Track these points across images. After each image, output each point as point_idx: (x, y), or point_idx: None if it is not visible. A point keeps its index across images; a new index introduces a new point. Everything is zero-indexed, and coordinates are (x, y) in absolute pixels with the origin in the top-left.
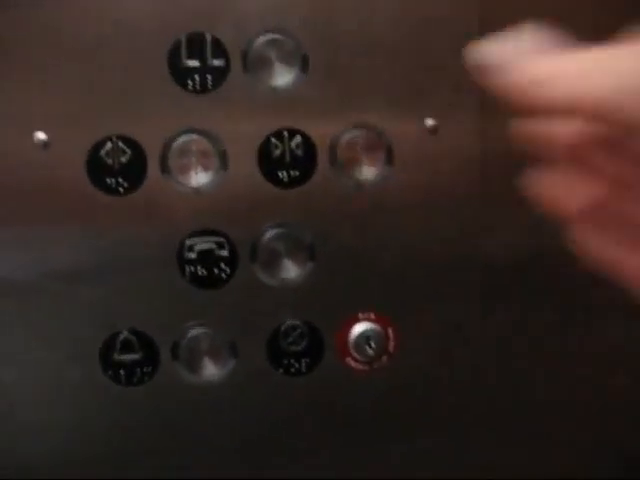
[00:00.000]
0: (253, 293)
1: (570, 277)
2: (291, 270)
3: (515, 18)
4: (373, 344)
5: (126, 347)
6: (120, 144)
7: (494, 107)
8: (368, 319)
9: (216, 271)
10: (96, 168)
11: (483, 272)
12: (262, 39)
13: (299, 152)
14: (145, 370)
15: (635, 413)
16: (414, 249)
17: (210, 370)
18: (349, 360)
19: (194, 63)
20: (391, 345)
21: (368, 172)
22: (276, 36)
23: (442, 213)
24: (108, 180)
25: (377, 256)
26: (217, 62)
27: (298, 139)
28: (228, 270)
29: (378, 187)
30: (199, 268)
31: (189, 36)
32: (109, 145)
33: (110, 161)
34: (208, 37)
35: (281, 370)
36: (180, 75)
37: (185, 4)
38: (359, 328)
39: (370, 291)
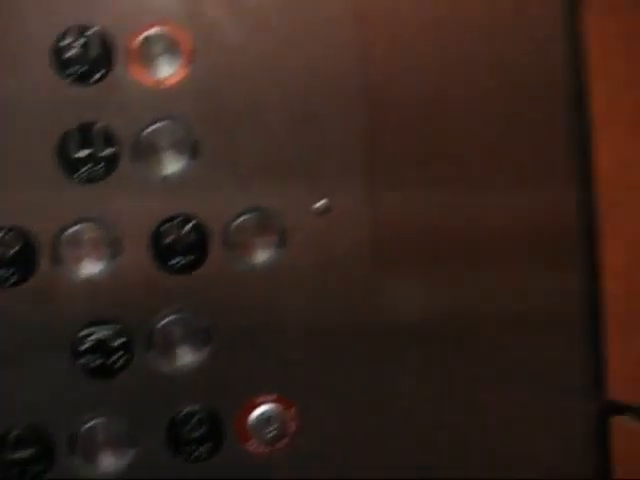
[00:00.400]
0: (150, 381)
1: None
2: (188, 356)
3: None
4: (274, 426)
5: (19, 443)
6: (10, 235)
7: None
8: (268, 401)
9: (111, 360)
10: None
11: (381, 340)
12: (152, 127)
13: (191, 238)
14: (39, 468)
15: None
16: (311, 328)
17: (109, 462)
18: (250, 444)
19: (84, 153)
20: (292, 426)
21: (261, 255)
22: (165, 124)
23: (335, 290)
24: None
25: (274, 337)
26: (107, 151)
27: (190, 225)
28: (123, 359)
29: (271, 269)
30: (93, 358)
31: (79, 126)
32: None
33: (0, 252)
34: (97, 126)
35: (182, 457)
36: (70, 165)
37: (74, 94)
38: (259, 410)
39: (270, 372)
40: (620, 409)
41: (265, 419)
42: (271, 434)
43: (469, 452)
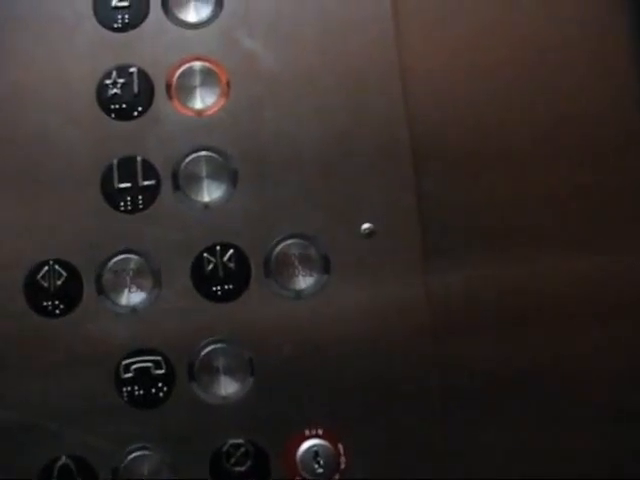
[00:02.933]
0: (192, 412)
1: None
2: (231, 387)
3: None
4: (322, 461)
5: (65, 474)
6: (56, 267)
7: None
8: (315, 435)
9: (153, 390)
10: (33, 291)
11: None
12: (191, 157)
13: (232, 265)
14: None
15: None
16: (358, 360)
17: None
18: (298, 479)
19: (125, 185)
20: (342, 461)
21: (304, 282)
22: (204, 153)
23: (385, 319)
24: (44, 302)
25: (320, 369)
26: (147, 182)
27: (231, 252)
28: (165, 389)
29: (316, 297)
30: (136, 388)
31: (120, 159)
32: (45, 269)
33: (46, 284)
34: (138, 159)
35: None
36: (112, 197)
37: (118, 129)
38: (306, 445)
39: (315, 406)
40: None
41: (313, 454)
42: (320, 470)
43: None
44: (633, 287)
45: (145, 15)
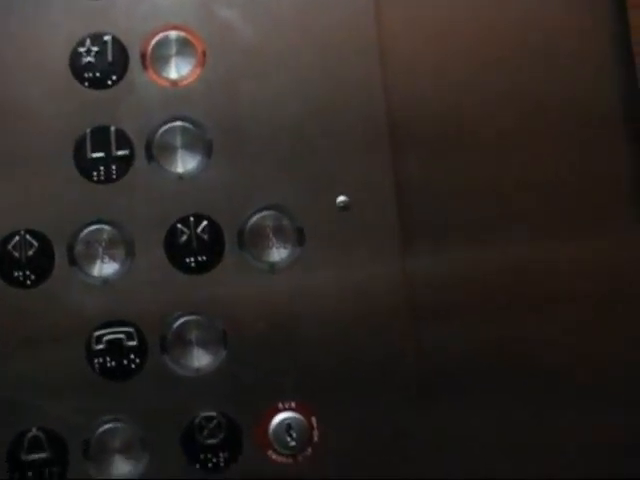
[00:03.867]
0: (164, 384)
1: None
2: (203, 359)
3: None
4: (295, 434)
5: (35, 446)
6: (28, 237)
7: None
8: (289, 408)
9: (125, 362)
10: (4, 261)
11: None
12: (165, 127)
13: (206, 237)
14: (54, 470)
15: None
16: (332, 333)
17: (121, 468)
18: (270, 453)
19: (98, 154)
20: (315, 435)
21: (278, 254)
22: (178, 124)
23: (359, 293)
24: (16, 273)
25: (294, 342)
26: (121, 152)
27: (204, 224)
28: (138, 361)
29: (290, 269)
30: (108, 359)
31: (93, 129)
32: (17, 239)
33: (17, 254)
34: (112, 129)
35: (198, 465)
36: (85, 166)
37: (91, 98)
38: (279, 418)
39: (289, 379)
40: None
41: (286, 426)
42: (292, 443)
43: None
44: (614, 271)
45: None
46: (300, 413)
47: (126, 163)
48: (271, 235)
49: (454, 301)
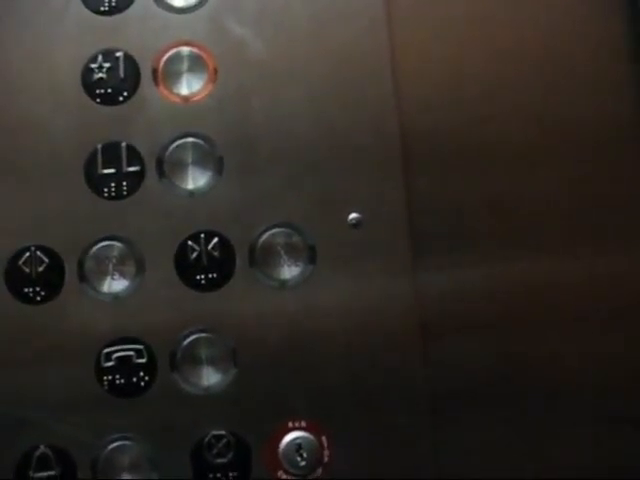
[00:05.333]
0: (174, 402)
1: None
2: (213, 377)
3: None
4: (305, 454)
5: (43, 464)
6: (38, 253)
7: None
8: (299, 428)
9: (134, 380)
10: (14, 277)
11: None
12: (176, 144)
13: (216, 254)
14: None
15: None
16: (343, 352)
17: None
18: (280, 473)
19: (109, 170)
20: (326, 455)
21: (289, 272)
22: (190, 140)
23: (371, 311)
24: (26, 289)
25: (305, 360)
26: (132, 168)
27: (215, 241)
28: (147, 378)
29: (301, 287)
30: (117, 377)
31: (105, 145)
32: (27, 255)
33: (28, 270)
34: (123, 145)
35: None
36: (96, 182)
37: (103, 114)
38: (289, 437)
39: (299, 398)
40: None
41: (296, 446)
42: (302, 463)
43: None
44: (619, 288)
45: None
46: (311, 432)
47: (137, 179)
48: (282, 252)
49: (466, 318)
